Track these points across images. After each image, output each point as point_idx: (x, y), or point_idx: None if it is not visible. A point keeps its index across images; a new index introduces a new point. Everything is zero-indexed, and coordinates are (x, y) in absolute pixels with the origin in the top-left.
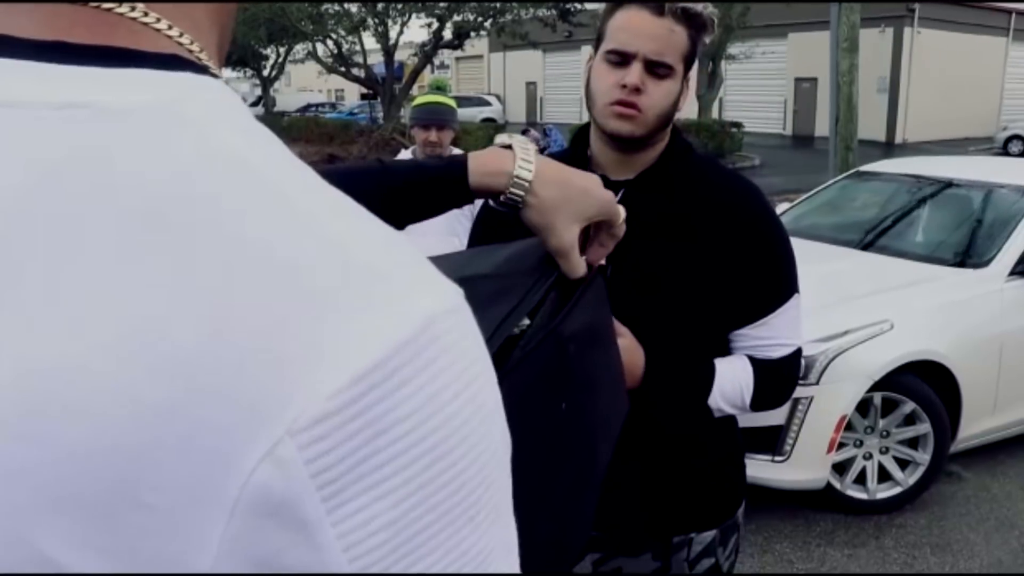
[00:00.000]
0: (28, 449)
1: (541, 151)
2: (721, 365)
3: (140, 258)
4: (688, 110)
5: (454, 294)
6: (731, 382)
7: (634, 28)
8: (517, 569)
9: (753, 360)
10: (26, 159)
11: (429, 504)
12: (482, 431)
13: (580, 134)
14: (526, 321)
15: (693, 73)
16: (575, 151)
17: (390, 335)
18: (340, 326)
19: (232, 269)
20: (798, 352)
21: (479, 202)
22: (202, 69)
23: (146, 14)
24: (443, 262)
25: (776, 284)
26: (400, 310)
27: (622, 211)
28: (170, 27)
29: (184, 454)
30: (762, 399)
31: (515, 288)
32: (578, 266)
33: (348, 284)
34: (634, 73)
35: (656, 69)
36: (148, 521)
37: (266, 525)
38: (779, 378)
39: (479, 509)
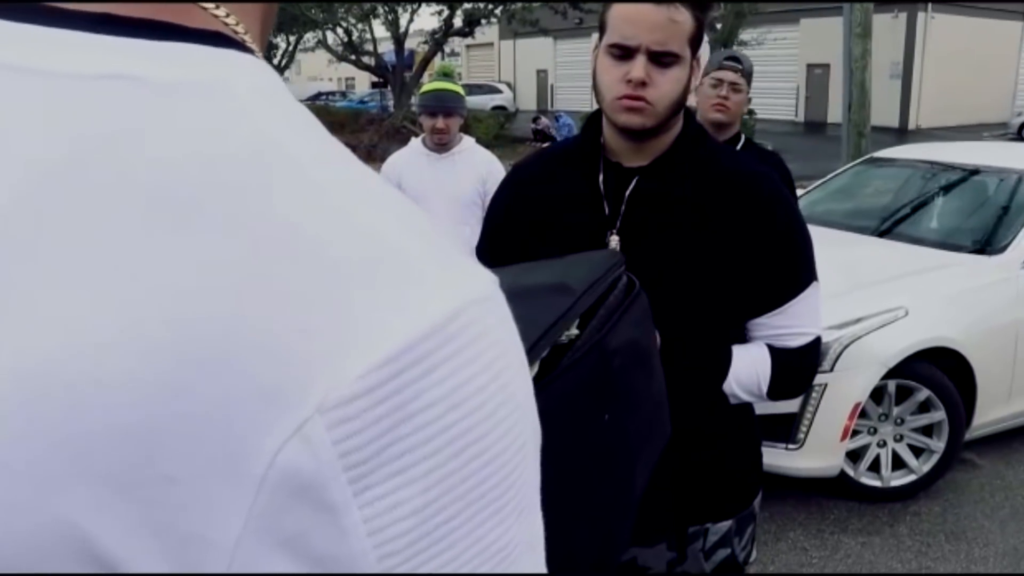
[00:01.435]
0: (57, 423)
1: (551, 139)
2: (738, 351)
3: (171, 238)
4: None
5: (487, 283)
6: (747, 369)
7: (634, 19)
8: (542, 565)
9: (771, 348)
10: (66, 130)
11: (456, 493)
12: (510, 422)
13: (592, 121)
14: (575, 331)
15: (704, 51)
16: (588, 138)
17: (419, 321)
18: (369, 312)
19: (263, 254)
20: (817, 341)
21: (490, 193)
22: (246, 50)
23: None
24: (499, 273)
25: (794, 271)
26: (430, 297)
27: None
28: (216, 6)
29: (209, 431)
30: (780, 388)
31: (566, 295)
32: None
33: (379, 271)
34: (638, 67)
35: (661, 59)
36: (174, 495)
37: (293, 504)
38: (798, 367)
39: (505, 502)
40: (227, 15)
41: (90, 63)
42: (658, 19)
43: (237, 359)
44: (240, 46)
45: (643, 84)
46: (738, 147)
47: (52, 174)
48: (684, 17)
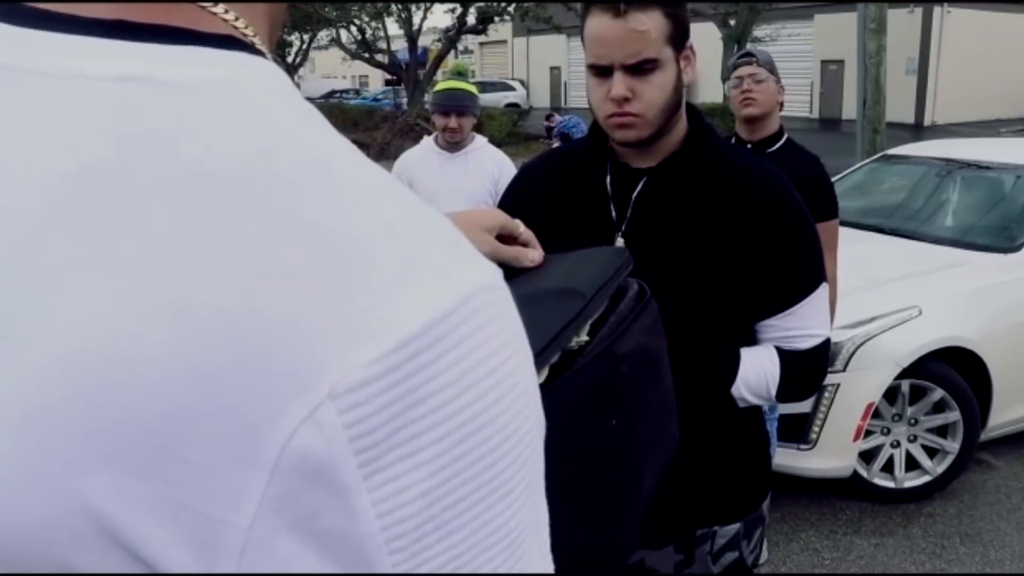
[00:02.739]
0: (82, 407)
1: (567, 137)
2: (746, 354)
3: (191, 229)
4: (713, 94)
5: (492, 273)
6: (756, 372)
7: (601, 38)
8: (547, 551)
9: (780, 351)
10: (87, 132)
11: (463, 477)
12: (515, 409)
13: (598, 125)
14: (586, 337)
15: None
16: (595, 139)
17: (429, 308)
18: (381, 299)
19: (278, 241)
20: (826, 343)
21: (502, 190)
22: (256, 52)
23: None
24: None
25: (803, 273)
26: (439, 285)
27: (518, 222)
28: (226, 11)
29: (226, 415)
30: (789, 391)
31: (575, 300)
32: (516, 255)
33: (390, 259)
34: (617, 85)
35: (640, 68)
36: (192, 477)
37: (305, 486)
38: (807, 370)
39: (512, 487)
40: (236, 18)
41: (107, 66)
42: (623, 33)
43: (259, 347)
44: (250, 48)
45: (626, 100)
46: (777, 145)
47: (85, 174)
48: (651, 22)
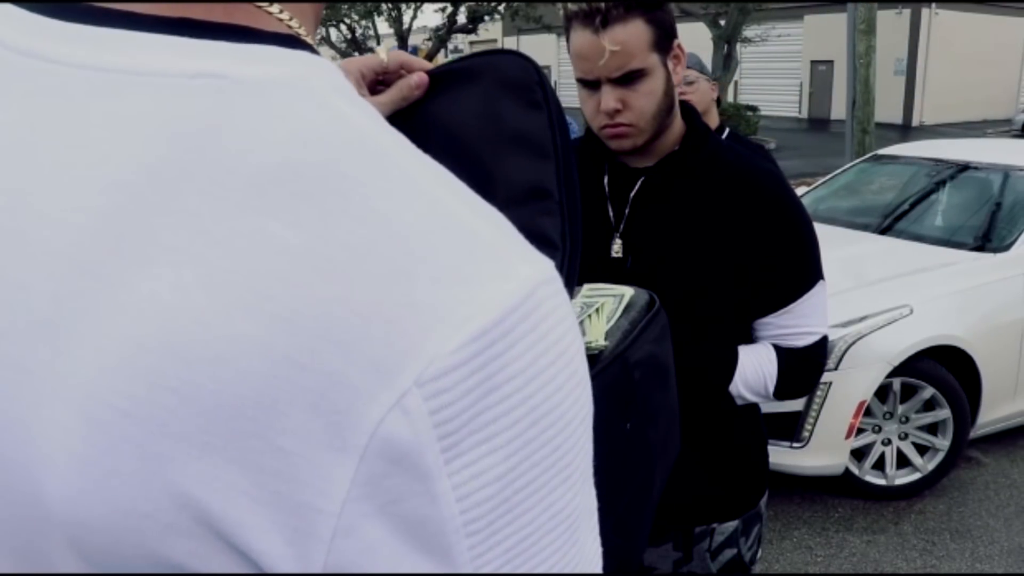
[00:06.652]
0: (174, 398)
1: None
2: (744, 353)
3: (274, 220)
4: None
5: (548, 265)
6: (754, 370)
7: (584, 54)
8: (597, 534)
9: (778, 348)
10: (164, 126)
11: (532, 461)
12: (574, 396)
13: None
14: (603, 342)
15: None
16: (593, 139)
17: (503, 299)
18: (457, 289)
19: (357, 233)
20: (824, 340)
21: None
22: (313, 51)
23: None
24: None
25: (800, 270)
26: (507, 278)
27: (377, 56)
28: (281, 11)
29: (316, 403)
30: (787, 388)
31: (546, 200)
32: (402, 94)
33: (461, 251)
34: (606, 98)
35: (628, 78)
36: (285, 465)
37: (391, 472)
38: (805, 367)
39: (572, 470)
40: (290, 18)
41: (178, 63)
42: (603, 49)
43: (346, 336)
44: (309, 48)
45: (617, 111)
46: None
47: (159, 169)
48: (632, 34)
